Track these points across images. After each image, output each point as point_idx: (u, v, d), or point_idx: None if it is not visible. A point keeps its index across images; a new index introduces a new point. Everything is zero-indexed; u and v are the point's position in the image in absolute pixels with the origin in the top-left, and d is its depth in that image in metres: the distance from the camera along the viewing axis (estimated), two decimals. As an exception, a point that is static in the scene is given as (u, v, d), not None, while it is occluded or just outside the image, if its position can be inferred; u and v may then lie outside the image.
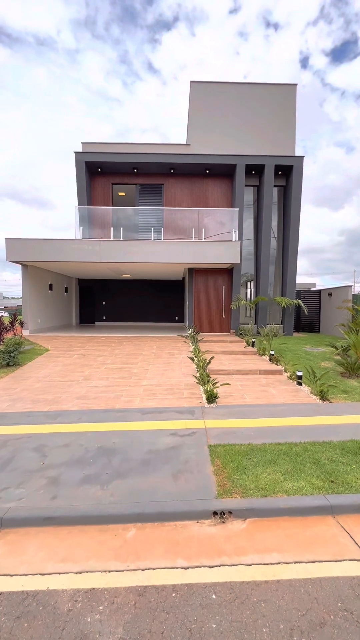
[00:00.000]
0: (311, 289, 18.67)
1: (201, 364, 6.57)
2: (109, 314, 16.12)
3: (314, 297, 14.61)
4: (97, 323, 16.19)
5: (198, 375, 6.27)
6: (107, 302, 16.09)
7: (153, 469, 3.23)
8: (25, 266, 11.50)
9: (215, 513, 2.59)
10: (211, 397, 5.14)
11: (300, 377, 6.18)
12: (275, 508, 2.61)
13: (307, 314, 14.04)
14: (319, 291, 14.67)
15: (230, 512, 2.59)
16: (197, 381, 5.79)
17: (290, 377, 6.62)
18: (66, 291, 15.34)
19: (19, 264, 11.21)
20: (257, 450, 3.56)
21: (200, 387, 5.94)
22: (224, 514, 2.59)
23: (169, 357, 8.49)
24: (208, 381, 5.67)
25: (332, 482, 2.96)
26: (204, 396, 5.31)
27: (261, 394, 5.71)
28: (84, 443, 3.84)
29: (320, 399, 5.34)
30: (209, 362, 6.74)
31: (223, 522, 2.53)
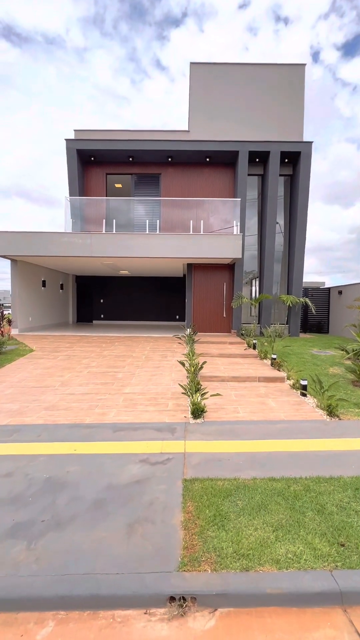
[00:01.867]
0: (320, 287, 17.65)
1: (192, 369, 5.78)
2: (107, 312, 15.45)
3: (323, 296, 13.64)
4: (94, 322, 15.54)
5: (187, 382, 5.49)
6: (105, 299, 15.42)
7: (105, 515, 2.47)
8: (14, 261, 10.88)
9: (172, 598, 1.81)
10: (197, 411, 4.35)
11: (304, 387, 5.34)
12: (259, 594, 1.82)
13: (315, 314, 13.09)
14: (328, 289, 13.68)
15: (194, 598, 1.82)
16: (184, 391, 5.01)
17: (293, 386, 5.78)
18: (62, 288, 14.69)
19: (7, 258, 10.58)
20: (244, 489, 2.76)
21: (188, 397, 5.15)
22: (185, 600, 1.81)
23: (160, 359, 7.73)
24: (197, 390, 4.89)
25: (342, 545, 2.15)
26: (190, 409, 4.53)
27: (258, 406, 4.89)
28: (31, 472, 3.10)
29: (328, 414, 4.49)
30: (201, 367, 5.95)
31: (182, 615, 1.75)
